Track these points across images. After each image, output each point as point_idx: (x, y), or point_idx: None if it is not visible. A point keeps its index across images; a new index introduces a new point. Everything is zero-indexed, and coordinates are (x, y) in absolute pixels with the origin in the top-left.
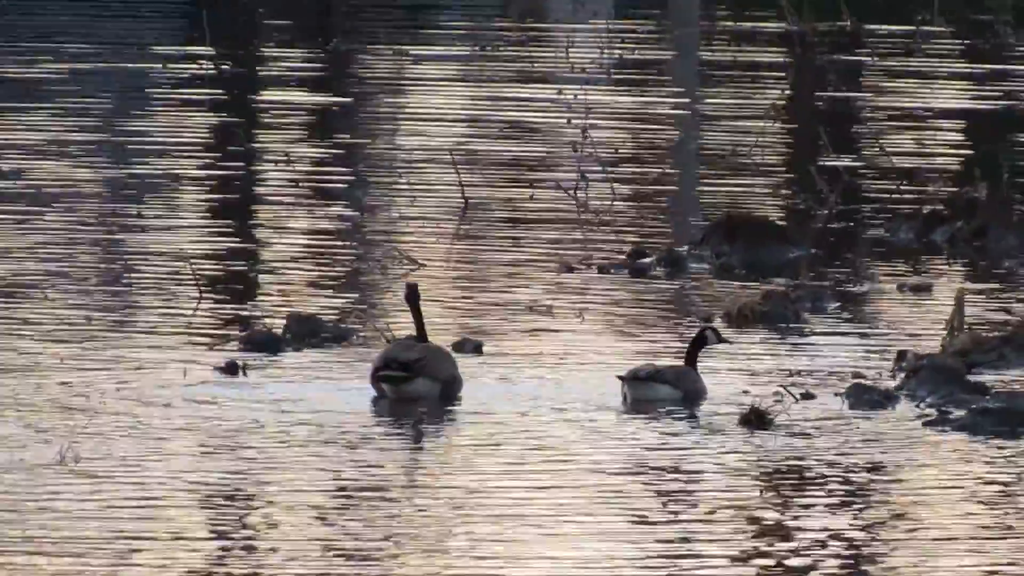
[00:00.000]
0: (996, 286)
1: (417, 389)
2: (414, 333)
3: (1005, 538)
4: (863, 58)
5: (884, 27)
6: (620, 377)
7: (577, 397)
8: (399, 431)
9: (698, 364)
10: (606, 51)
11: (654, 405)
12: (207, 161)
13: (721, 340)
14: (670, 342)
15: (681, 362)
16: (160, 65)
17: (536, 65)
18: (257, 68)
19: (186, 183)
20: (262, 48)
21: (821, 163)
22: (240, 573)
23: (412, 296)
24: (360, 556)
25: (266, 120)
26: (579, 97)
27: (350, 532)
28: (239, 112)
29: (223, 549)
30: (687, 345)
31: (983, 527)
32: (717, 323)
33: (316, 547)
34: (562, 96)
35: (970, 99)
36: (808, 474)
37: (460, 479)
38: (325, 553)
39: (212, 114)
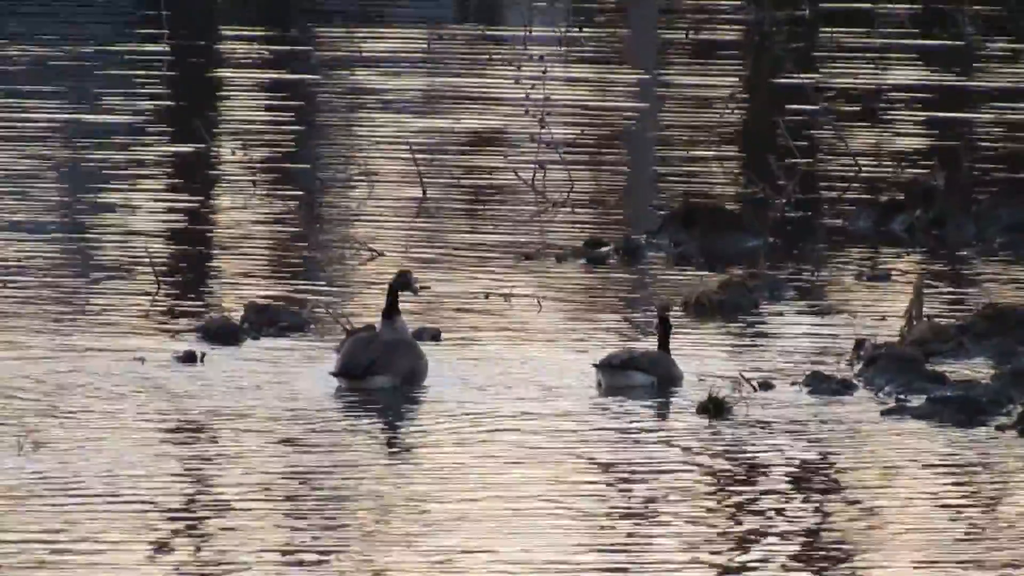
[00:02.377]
0: (955, 275)
1: (375, 384)
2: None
3: (963, 527)
4: (821, 43)
5: (841, 4)
6: (595, 365)
7: (533, 385)
8: (357, 421)
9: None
10: (565, 38)
11: (617, 393)
12: (164, 146)
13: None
14: (627, 331)
15: (654, 347)
16: (116, 47)
17: (494, 48)
18: (215, 51)
19: (144, 168)
20: (219, 31)
21: (779, 151)
22: (198, 562)
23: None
24: (320, 548)
25: (224, 105)
26: (536, 86)
27: (309, 522)
28: (197, 97)
29: (181, 539)
30: (655, 333)
31: (941, 516)
32: (676, 312)
33: (275, 536)
34: (520, 80)
35: (928, 86)
36: (766, 463)
37: (418, 469)
38: (285, 543)
39: (169, 98)
